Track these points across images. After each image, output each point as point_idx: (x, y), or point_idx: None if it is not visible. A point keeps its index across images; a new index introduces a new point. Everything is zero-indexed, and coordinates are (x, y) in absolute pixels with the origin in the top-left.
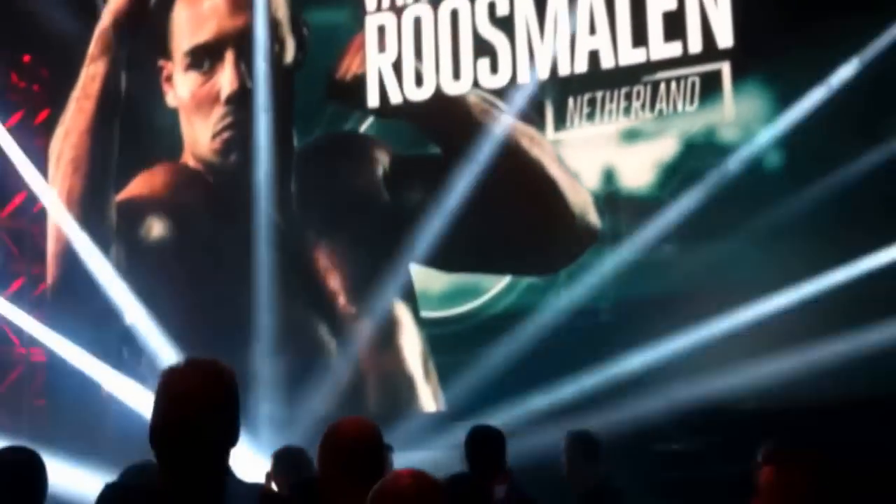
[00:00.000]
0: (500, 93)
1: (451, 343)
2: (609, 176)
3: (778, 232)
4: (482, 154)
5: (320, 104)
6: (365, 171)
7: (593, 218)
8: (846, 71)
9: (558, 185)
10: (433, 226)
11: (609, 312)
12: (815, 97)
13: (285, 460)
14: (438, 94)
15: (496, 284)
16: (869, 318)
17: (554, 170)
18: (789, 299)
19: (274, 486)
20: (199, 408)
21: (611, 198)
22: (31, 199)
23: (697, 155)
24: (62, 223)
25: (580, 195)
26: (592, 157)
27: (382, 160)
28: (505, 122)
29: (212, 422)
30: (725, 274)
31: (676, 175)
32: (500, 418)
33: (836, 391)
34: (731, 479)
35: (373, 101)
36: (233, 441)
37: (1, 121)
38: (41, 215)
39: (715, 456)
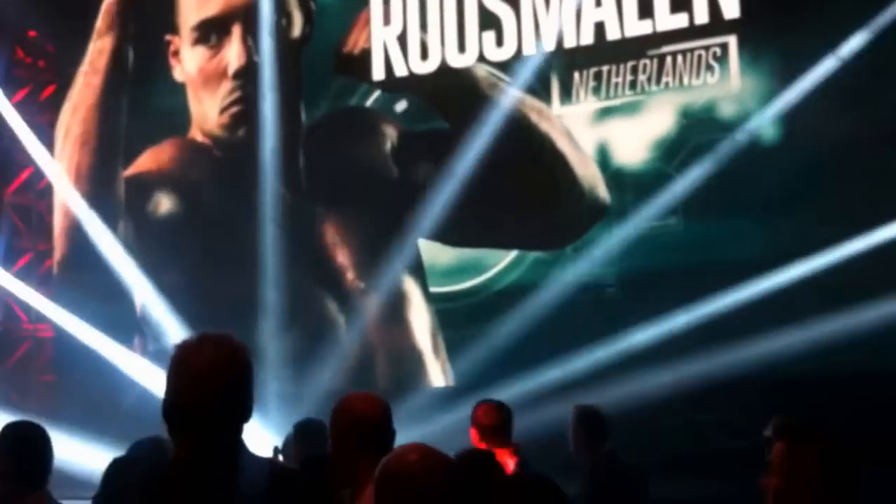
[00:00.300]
0: (506, 66)
1: (459, 318)
2: (614, 150)
3: (782, 206)
4: (490, 128)
5: (328, 79)
6: (373, 145)
7: (602, 192)
8: (855, 42)
9: (567, 160)
10: (441, 200)
11: (615, 287)
12: (823, 69)
13: (305, 432)
14: (444, 67)
15: (503, 259)
16: (872, 292)
17: (563, 144)
18: (794, 274)
19: (281, 458)
20: (215, 383)
21: (616, 172)
22: (37, 175)
23: (704, 129)
24: (69, 199)
25: (589, 169)
26: (597, 131)
27: (390, 135)
28: (513, 96)
29: (227, 397)
30: (730, 248)
31: (682, 149)
32: (508, 393)
33: (841, 366)
34: (736, 452)
35: (378, 73)
36: (246, 416)
37: (6, 97)
38: (47, 191)
39: (720, 430)
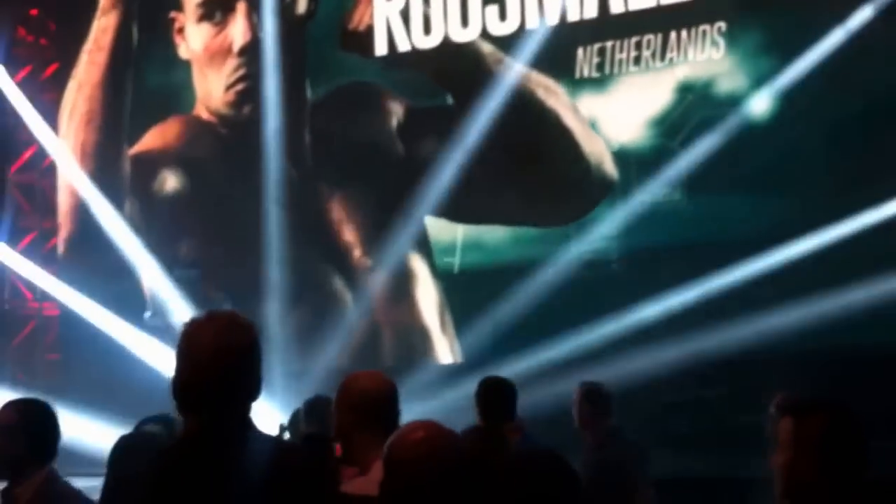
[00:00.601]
0: (509, 40)
1: (465, 294)
2: (618, 126)
3: (787, 182)
4: (496, 104)
5: (334, 55)
6: (379, 122)
7: (609, 168)
8: (863, 15)
9: (574, 136)
10: (447, 177)
11: (619, 263)
12: (828, 44)
13: (314, 409)
14: (447, 42)
15: (509, 235)
16: (876, 268)
17: (570, 120)
18: (799, 249)
19: (287, 435)
20: (223, 361)
21: (619, 148)
22: (41, 153)
23: (708, 104)
24: (75, 177)
25: (596, 145)
26: (602, 107)
27: (396, 111)
28: (519, 71)
29: (235, 375)
30: (735, 224)
31: (686, 125)
32: (515, 369)
33: (844, 341)
34: (742, 427)
35: (381, 48)
36: (255, 394)
37: (9, 76)
38: (51, 170)
39: (723, 406)
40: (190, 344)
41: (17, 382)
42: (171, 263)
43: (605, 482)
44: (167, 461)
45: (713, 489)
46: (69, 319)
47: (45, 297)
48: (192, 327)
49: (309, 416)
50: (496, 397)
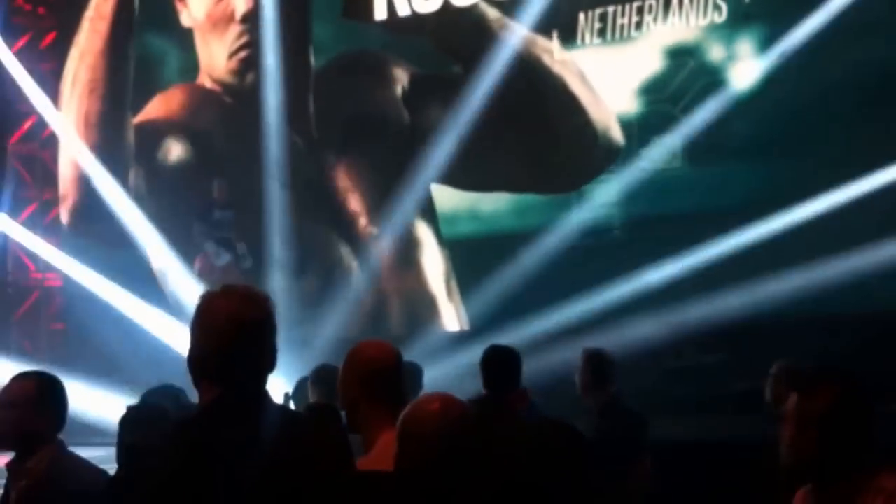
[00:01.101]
0: (511, 5)
1: (470, 262)
2: (619, 92)
3: (788, 149)
4: (501, 71)
5: (338, 22)
6: (384, 89)
7: (616, 135)
8: None
9: (581, 102)
10: (452, 145)
11: (620, 230)
12: (830, 8)
13: (322, 377)
14: (447, 6)
15: (510, 203)
16: (876, 234)
17: (576, 86)
18: (799, 216)
19: (291, 404)
20: (240, 334)
21: (620, 114)
22: (41, 124)
23: (710, 71)
24: (78, 147)
25: (603, 113)
26: (604, 72)
27: (401, 79)
28: (524, 37)
29: (252, 347)
30: (735, 191)
31: (688, 91)
32: (520, 336)
33: (843, 307)
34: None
35: (380, 13)
36: (271, 366)
37: (7, 45)
38: (51, 140)
39: (724, 371)
40: (206, 317)
41: (23, 353)
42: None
43: (604, 449)
44: (185, 434)
45: (714, 454)
46: (72, 290)
47: (47, 267)
48: (207, 301)
49: (316, 386)
50: (501, 367)
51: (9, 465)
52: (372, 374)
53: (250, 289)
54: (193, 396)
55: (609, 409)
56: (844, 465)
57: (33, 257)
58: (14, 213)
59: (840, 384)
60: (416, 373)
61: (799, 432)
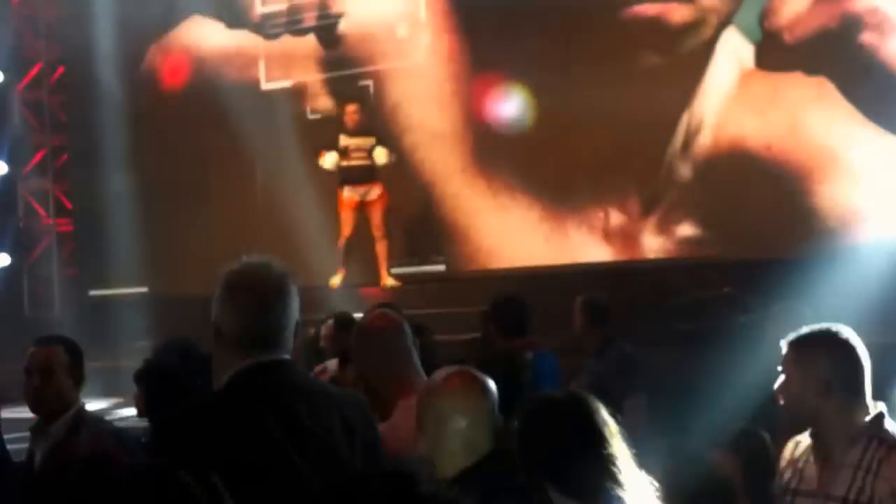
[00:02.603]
0: None
1: None
2: None
3: None
4: None
5: None
6: None
7: None
8: None
9: None
10: None
11: None
12: None
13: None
14: None
15: None
16: None
17: None
18: None
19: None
20: (268, 305)
21: None
22: (48, 70)
23: None
24: None
25: None
26: None
27: None
28: None
29: (279, 317)
30: None
31: None
32: None
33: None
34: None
35: None
36: (297, 334)
37: None
38: (59, 86)
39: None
40: (230, 292)
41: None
42: None
43: (597, 389)
44: (217, 404)
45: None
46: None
47: (59, 213)
48: (230, 276)
49: (338, 330)
50: (512, 314)
51: (33, 428)
52: (382, 344)
53: (272, 262)
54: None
55: (601, 351)
56: (841, 413)
57: (45, 203)
58: (23, 160)
59: (830, 341)
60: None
61: (800, 385)
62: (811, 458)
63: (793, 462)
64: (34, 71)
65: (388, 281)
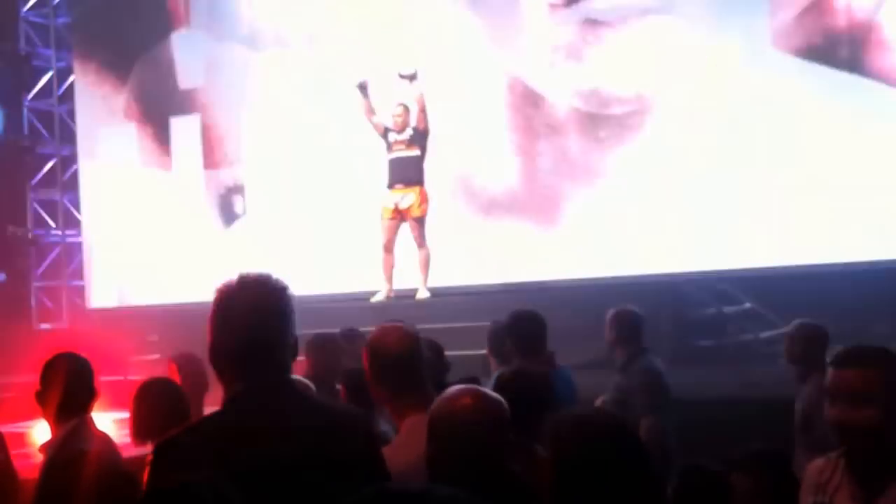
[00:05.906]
0: None
1: None
2: None
3: None
4: None
5: None
6: None
7: None
8: None
9: None
10: None
11: None
12: None
13: (318, 346)
14: None
15: None
16: None
17: None
18: None
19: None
20: (262, 324)
21: None
22: (57, 79)
23: None
24: None
25: None
26: None
27: None
28: None
29: (275, 337)
30: None
31: None
32: None
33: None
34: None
35: None
36: (294, 353)
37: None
38: (68, 96)
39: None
40: (226, 309)
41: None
42: None
43: (621, 405)
44: (216, 427)
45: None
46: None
47: (67, 223)
48: (226, 292)
49: (311, 354)
50: (530, 332)
51: (41, 443)
52: (392, 362)
53: (268, 277)
54: None
55: (627, 365)
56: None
57: (53, 214)
58: (32, 170)
59: (878, 359)
60: (437, 351)
61: (855, 408)
62: (843, 481)
63: (821, 485)
64: (42, 80)
65: (422, 294)
